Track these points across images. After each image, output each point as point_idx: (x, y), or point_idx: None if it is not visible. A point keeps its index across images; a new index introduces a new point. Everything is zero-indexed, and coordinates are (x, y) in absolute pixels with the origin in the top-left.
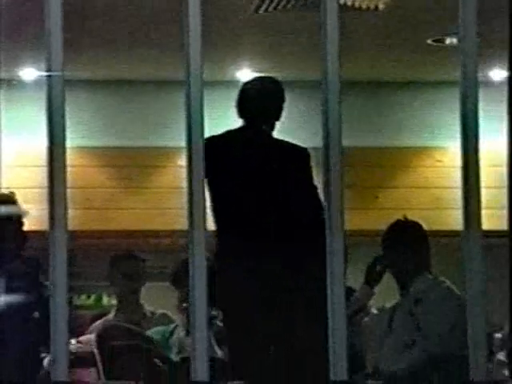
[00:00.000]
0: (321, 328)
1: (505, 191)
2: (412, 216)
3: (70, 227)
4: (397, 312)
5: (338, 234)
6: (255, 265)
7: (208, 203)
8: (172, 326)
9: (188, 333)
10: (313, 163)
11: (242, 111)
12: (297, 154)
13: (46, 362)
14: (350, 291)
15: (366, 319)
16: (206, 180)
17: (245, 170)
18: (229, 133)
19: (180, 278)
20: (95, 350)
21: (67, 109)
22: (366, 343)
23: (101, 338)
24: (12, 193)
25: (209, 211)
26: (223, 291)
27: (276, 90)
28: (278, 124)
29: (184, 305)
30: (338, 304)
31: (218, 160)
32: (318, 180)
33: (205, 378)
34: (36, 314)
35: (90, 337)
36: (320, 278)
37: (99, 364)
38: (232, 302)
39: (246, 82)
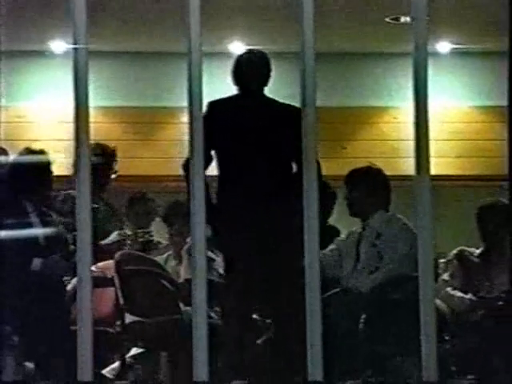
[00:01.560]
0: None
1: (449, 143)
2: (373, 163)
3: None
4: (361, 244)
5: (313, 178)
6: (253, 212)
7: (215, 156)
8: (165, 255)
9: (179, 262)
10: None
11: (238, 79)
12: (294, 112)
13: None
14: (331, 228)
15: (333, 246)
16: (213, 135)
17: (248, 125)
18: (231, 97)
19: (170, 217)
20: (114, 274)
21: (90, 75)
22: (335, 263)
23: (118, 264)
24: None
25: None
26: (223, 232)
27: (266, 60)
28: (266, 88)
29: (175, 238)
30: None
31: (225, 119)
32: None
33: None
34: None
35: (107, 262)
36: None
37: (117, 285)
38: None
39: (241, 54)
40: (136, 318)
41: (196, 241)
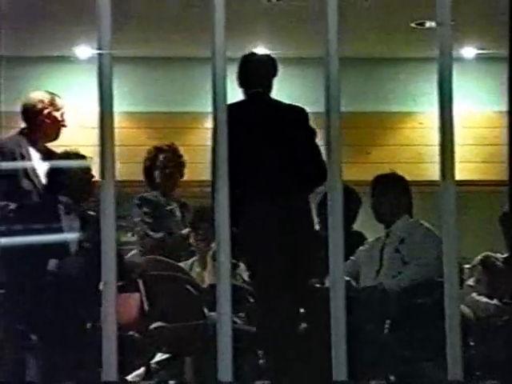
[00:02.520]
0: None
1: (474, 148)
2: (397, 169)
3: (118, 178)
4: (385, 249)
5: (337, 183)
6: (264, 212)
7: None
8: (190, 261)
9: (204, 267)
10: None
11: (245, 81)
12: (299, 112)
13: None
14: (356, 234)
15: (361, 248)
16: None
17: (259, 127)
18: (243, 100)
19: (195, 222)
20: (138, 279)
21: (115, 81)
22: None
23: (144, 269)
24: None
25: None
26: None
27: (270, 62)
28: (288, 93)
29: (200, 244)
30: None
31: (237, 122)
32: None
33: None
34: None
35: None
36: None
37: (142, 290)
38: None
39: (246, 56)
40: (160, 324)
41: (221, 246)
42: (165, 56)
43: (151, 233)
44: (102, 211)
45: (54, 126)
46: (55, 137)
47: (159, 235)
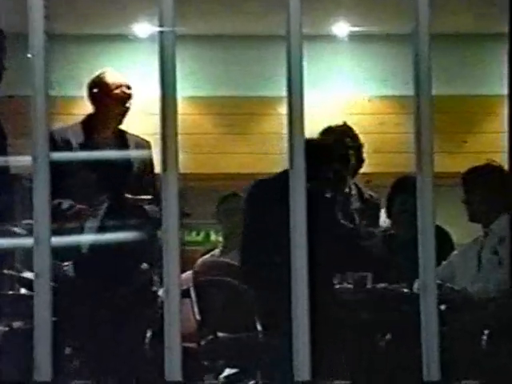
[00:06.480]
0: None
1: None
2: (497, 159)
3: (181, 170)
4: (483, 251)
5: (428, 175)
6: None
7: None
8: None
9: None
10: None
11: None
12: None
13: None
14: (439, 230)
15: (455, 252)
16: None
17: None
18: None
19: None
20: (190, 284)
21: (178, 62)
22: (454, 272)
23: (197, 274)
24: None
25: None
26: None
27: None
28: (374, 73)
29: None
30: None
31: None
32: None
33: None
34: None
35: (189, 273)
36: None
37: (193, 298)
38: None
39: None
40: (221, 334)
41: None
42: (233, 34)
43: None
44: (164, 208)
45: (123, 110)
46: (120, 122)
47: None
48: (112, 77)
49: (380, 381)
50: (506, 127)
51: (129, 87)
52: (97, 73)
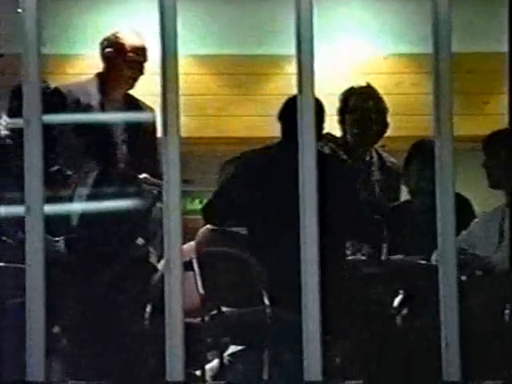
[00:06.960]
0: None
1: None
2: None
3: (183, 134)
4: (506, 220)
5: (447, 139)
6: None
7: None
8: None
9: None
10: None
11: None
12: None
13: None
14: (459, 197)
15: (476, 220)
16: None
17: None
18: None
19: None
20: (193, 256)
21: (179, 18)
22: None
23: (200, 245)
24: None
25: None
26: None
27: None
28: (390, 29)
29: None
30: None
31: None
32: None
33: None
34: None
35: (191, 244)
36: None
37: (196, 270)
38: None
39: None
40: (227, 309)
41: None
42: None
43: None
44: (165, 174)
45: (137, 74)
46: (131, 87)
47: None
48: (128, 38)
49: (396, 359)
50: None
51: (145, 50)
52: (112, 31)
